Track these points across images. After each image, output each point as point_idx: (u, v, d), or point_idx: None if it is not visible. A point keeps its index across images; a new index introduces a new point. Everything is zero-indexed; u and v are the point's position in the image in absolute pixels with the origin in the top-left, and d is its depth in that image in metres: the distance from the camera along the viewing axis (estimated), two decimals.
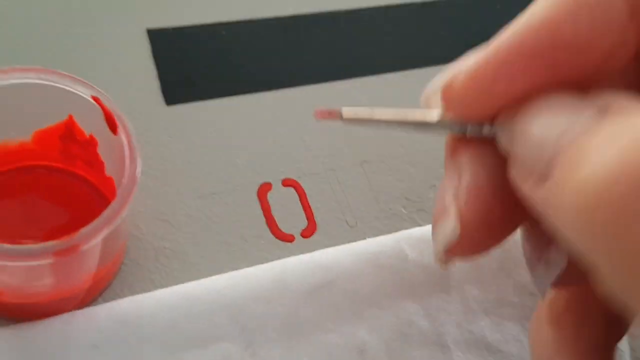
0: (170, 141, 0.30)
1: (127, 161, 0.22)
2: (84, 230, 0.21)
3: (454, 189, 0.19)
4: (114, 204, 0.22)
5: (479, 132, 0.19)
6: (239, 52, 0.33)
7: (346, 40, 0.36)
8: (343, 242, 0.29)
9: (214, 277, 0.26)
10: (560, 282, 0.19)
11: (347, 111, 0.21)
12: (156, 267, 0.27)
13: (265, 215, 0.29)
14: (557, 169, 0.15)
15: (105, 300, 0.25)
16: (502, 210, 0.18)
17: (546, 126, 0.16)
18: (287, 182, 0.30)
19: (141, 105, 0.31)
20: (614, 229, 0.13)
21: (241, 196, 0.29)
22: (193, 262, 0.27)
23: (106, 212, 0.21)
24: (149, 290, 0.26)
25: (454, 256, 0.20)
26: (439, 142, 0.33)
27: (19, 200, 0.27)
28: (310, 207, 0.30)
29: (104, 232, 0.21)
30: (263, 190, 0.30)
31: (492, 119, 0.18)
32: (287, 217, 0.30)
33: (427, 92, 0.20)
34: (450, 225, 0.19)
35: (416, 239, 0.29)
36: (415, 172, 0.32)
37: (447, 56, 0.36)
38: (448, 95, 0.19)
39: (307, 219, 0.30)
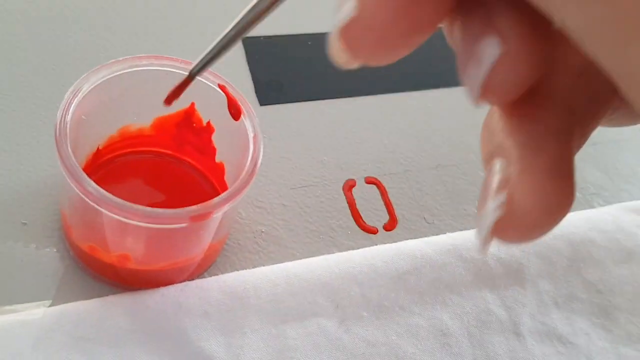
0: (264, 138, 0.32)
1: (252, 143, 0.25)
2: (215, 200, 0.23)
3: None
4: (239, 182, 0.24)
5: None
6: (322, 61, 0.36)
7: (423, 53, 0.38)
8: (422, 237, 0.31)
9: (311, 259, 0.28)
10: (491, 81, 0.15)
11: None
12: (255, 249, 0.29)
13: (350, 209, 0.31)
14: None
15: (212, 275, 0.27)
16: None
17: None
18: (369, 180, 0.33)
19: None
20: None
21: (328, 190, 0.32)
22: (287, 245, 0.29)
23: (233, 188, 0.24)
24: (249, 269, 0.28)
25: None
26: None
27: (125, 184, 0.29)
28: (391, 203, 0.32)
29: (231, 204, 0.23)
30: (348, 186, 0.32)
31: None
32: (370, 211, 0.32)
33: None
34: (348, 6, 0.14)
35: None
36: None
37: None
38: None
39: (389, 213, 0.32)
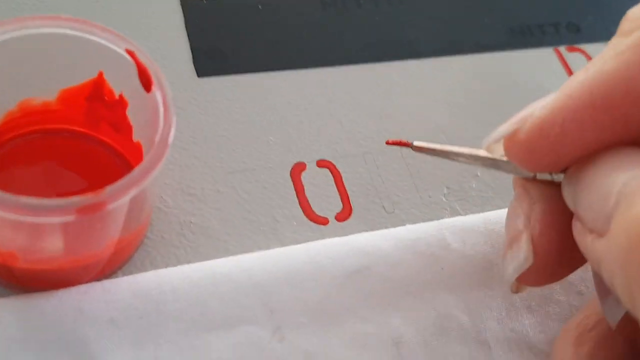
0: (200, 114, 0.28)
1: (161, 120, 0.21)
2: (110, 188, 0.19)
3: (525, 216, 0.19)
4: (144, 164, 0.20)
5: (548, 177, 0.19)
6: (274, 27, 0.32)
7: (387, 21, 0.34)
8: (379, 228, 0.27)
9: (243, 256, 0.25)
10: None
11: (418, 143, 0.23)
12: (181, 242, 0.25)
13: (298, 196, 0.28)
14: (615, 218, 0.15)
15: (126, 275, 0.24)
16: (573, 241, 0.18)
17: (609, 180, 0.16)
18: (322, 163, 0.29)
19: (172, 76, 0.29)
20: None
21: (273, 175, 0.28)
22: (220, 239, 0.26)
23: (135, 172, 0.20)
24: (173, 266, 0.24)
25: (525, 284, 0.21)
26: (483, 129, 0.32)
27: (38, 166, 0.25)
28: (346, 190, 0.28)
29: (132, 192, 0.19)
30: (297, 170, 0.28)
31: (559, 169, 0.19)
32: (321, 199, 0.28)
33: (489, 140, 0.21)
34: (523, 254, 0.19)
35: (459, 228, 0.27)
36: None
37: (489, 44, 0.35)
38: (510, 145, 0.19)
39: (342, 202, 0.28)
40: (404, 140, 0.24)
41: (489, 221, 0.28)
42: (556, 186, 0.20)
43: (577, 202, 0.18)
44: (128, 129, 0.24)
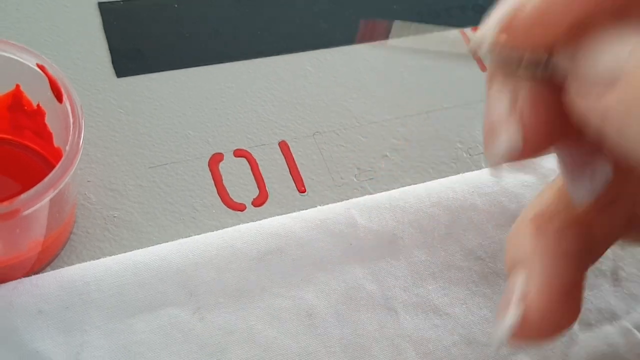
0: (120, 113, 0.30)
1: (71, 128, 0.23)
2: (25, 195, 0.21)
3: (512, 97, 0.19)
4: (57, 170, 0.22)
5: (533, 64, 0.19)
6: (190, 24, 0.34)
7: (300, 12, 0.36)
8: (294, 211, 0.29)
9: (162, 245, 0.27)
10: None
11: (392, 42, 0.21)
12: (105, 236, 0.27)
13: (216, 185, 0.30)
14: (627, 75, 0.16)
15: (55, 270, 0.26)
16: (558, 121, 0.19)
17: (616, 45, 0.17)
18: (238, 153, 0.31)
19: (91, 77, 0.31)
20: None
21: (192, 166, 0.30)
22: (143, 231, 0.28)
23: (48, 178, 0.22)
24: (99, 259, 0.26)
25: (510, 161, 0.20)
26: (391, 112, 0.34)
27: None
28: (262, 176, 0.30)
29: (46, 198, 0.21)
30: (214, 161, 0.30)
31: (550, 49, 0.19)
32: (238, 186, 0.30)
33: (486, 29, 0.20)
34: (511, 136, 0.19)
35: (366, 206, 0.30)
36: (367, 142, 0.33)
37: None
38: (511, 25, 0.19)
39: (259, 188, 0.30)
40: (379, 36, 0.22)
41: (394, 198, 0.30)
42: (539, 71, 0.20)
43: (580, 60, 0.18)
44: (49, 135, 0.26)
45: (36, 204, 0.21)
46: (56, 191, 0.21)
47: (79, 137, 0.23)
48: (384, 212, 0.30)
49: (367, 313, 0.28)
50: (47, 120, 0.26)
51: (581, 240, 0.21)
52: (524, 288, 0.21)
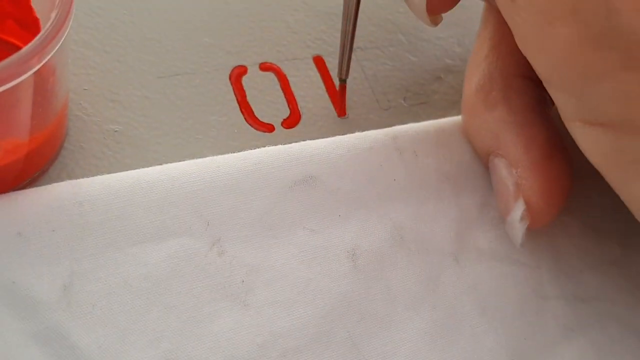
0: (124, 14, 0.25)
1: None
2: (3, 63, 0.16)
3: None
4: (42, 35, 0.17)
5: None
6: None
7: None
8: (331, 135, 0.24)
9: (174, 164, 0.22)
10: None
11: None
12: (103, 153, 0.22)
13: (239, 102, 0.25)
14: None
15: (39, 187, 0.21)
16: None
17: None
18: (265, 66, 0.26)
19: None
20: None
21: (210, 79, 0.25)
22: (149, 149, 0.23)
23: (32, 44, 0.17)
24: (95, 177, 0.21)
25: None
26: (445, 30, 0.29)
27: None
28: (293, 95, 0.25)
29: (28, 71, 0.16)
30: (237, 74, 0.25)
31: None
32: (265, 104, 0.25)
33: None
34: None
35: (412, 136, 0.24)
36: (417, 62, 0.28)
37: None
38: None
39: (290, 107, 0.25)
40: None
41: (442, 130, 0.25)
42: None
43: None
44: (35, 24, 0.21)
45: (15, 78, 0.16)
46: (41, 63, 0.16)
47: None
48: (432, 147, 0.24)
49: (418, 256, 0.23)
50: (33, 3, 0.21)
51: (528, 90, 0.22)
52: (513, 178, 0.22)
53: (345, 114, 0.26)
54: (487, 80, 0.22)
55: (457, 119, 0.25)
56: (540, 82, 0.19)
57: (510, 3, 0.17)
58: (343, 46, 0.24)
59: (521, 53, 0.19)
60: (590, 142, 0.18)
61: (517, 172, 0.22)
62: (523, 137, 0.21)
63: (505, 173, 0.22)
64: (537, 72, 0.19)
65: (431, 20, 0.23)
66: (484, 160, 0.23)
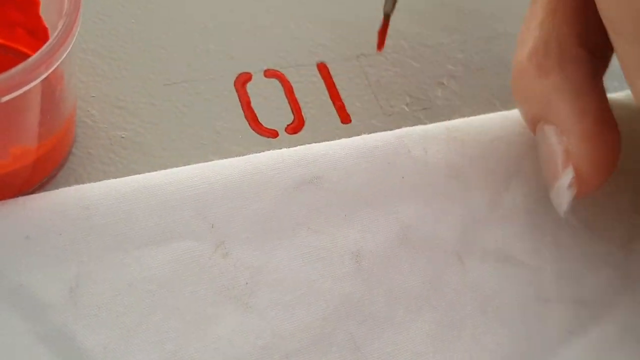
0: (131, 22, 0.26)
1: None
2: (6, 74, 0.16)
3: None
4: (49, 44, 0.17)
5: None
6: None
7: None
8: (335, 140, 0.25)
9: (179, 168, 0.22)
10: None
11: None
12: (110, 159, 0.23)
13: (243, 108, 0.25)
14: None
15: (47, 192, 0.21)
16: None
17: None
18: (270, 73, 0.26)
19: None
20: None
21: (215, 85, 0.25)
22: (155, 155, 0.23)
23: (39, 53, 0.17)
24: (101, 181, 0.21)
25: None
26: (447, 36, 0.29)
27: None
28: (297, 101, 0.26)
29: (36, 79, 0.17)
30: (241, 81, 0.26)
31: None
32: (269, 111, 0.25)
33: None
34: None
35: (421, 136, 0.25)
36: (420, 68, 0.28)
37: None
38: None
39: (294, 113, 0.25)
40: None
41: (452, 128, 0.25)
42: None
43: None
44: (44, 32, 0.22)
45: (24, 85, 0.17)
46: (49, 71, 0.17)
47: (78, 9, 0.18)
48: (441, 144, 0.25)
49: (423, 257, 0.23)
50: (41, 12, 0.21)
51: (583, 59, 0.21)
52: (563, 145, 0.21)
53: (348, 119, 0.26)
54: (541, 46, 0.22)
55: (467, 118, 0.26)
56: (595, 51, 0.19)
57: None
58: None
59: (577, 21, 0.19)
60: None
61: (567, 139, 0.21)
62: (576, 106, 0.21)
63: (555, 140, 0.22)
64: (607, 23, 0.18)
65: None
66: (530, 126, 0.23)
